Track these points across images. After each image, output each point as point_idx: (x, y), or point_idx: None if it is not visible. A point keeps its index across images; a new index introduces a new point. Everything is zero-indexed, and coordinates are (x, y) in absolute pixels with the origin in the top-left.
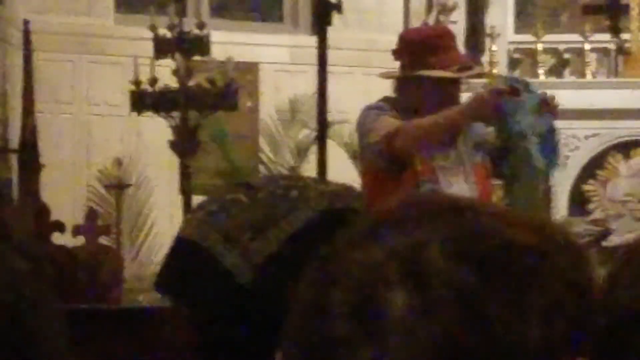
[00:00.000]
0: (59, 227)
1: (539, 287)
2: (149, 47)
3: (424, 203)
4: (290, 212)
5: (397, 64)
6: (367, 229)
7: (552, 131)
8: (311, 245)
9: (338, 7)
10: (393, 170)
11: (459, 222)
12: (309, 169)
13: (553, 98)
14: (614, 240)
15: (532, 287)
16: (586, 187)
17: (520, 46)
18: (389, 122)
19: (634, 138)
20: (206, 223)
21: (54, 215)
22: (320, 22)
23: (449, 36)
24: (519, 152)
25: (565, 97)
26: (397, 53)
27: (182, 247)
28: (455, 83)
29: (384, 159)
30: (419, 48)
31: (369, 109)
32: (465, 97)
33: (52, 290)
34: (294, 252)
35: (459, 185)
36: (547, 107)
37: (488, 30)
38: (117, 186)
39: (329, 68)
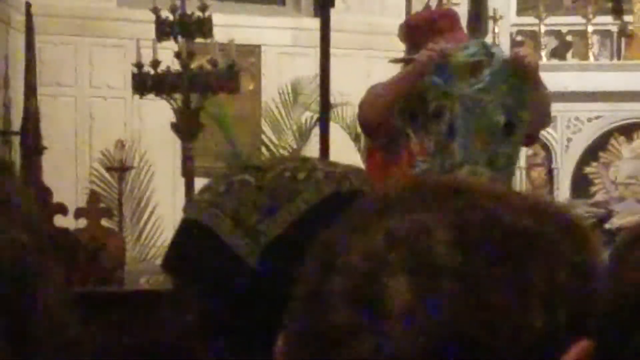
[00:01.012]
0: (61, 209)
1: (541, 273)
2: (151, 30)
3: (426, 186)
4: (298, 194)
5: (400, 46)
6: (368, 213)
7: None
8: (318, 227)
9: None
10: (385, 147)
11: (461, 207)
12: (311, 152)
13: (520, 57)
14: (616, 222)
15: (534, 273)
16: (589, 170)
17: (523, 28)
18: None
19: (636, 120)
20: (213, 204)
21: (56, 198)
22: (323, 5)
23: (449, 18)
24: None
25: (568, 80)
26: (401, 37)
27: (188, 229)
28: None
29: (363, 131)
30: (418, 31)
31: (370, 88)
32: None
33: (55, 262)
34: (301, 234)
35: None
36: (517, 67)
37: (491, 13)
38: (119, 169)
39: (331, 50)
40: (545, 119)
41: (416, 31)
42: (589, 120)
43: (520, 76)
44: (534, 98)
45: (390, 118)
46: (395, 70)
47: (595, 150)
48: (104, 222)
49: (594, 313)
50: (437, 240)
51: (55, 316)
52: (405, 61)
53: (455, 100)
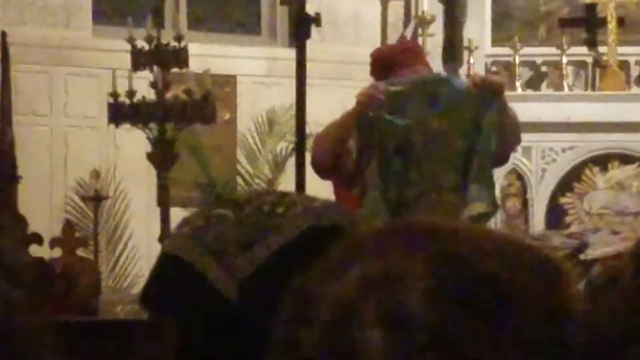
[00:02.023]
0: (36, 239)
1: (513, 323)
2: (126, 59)
3: (400, 230)
4: (276, 228)
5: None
6: (341, 258)
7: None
8: (297, 261)
9: (317, 20)
10: (345, 184)
11: (435, 253)
12: (287, 182)
13: (484, 77)
14: (591, 253)
15: (507, 324)
16: (563, 200)
17: (498, 59)
18: None
19: (610, 151)
20: (192, 238)
21: (31, 228)
22: (299, 35)
23: (409, 53)
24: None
25: (543, 110)
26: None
27: (167, 262)
28: None
29: (315, 170)
30: (378, 66)
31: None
32: None
33: (46, 314)
34: (280, 268)
35: None
36: (483, 87)
37: (466, 43)
38: (95, 198)
39: (307, 80)
40: (515, 138)
41: (378, 65)
42: (564, 150)
43: (486, 96)
44: (503, 118)
45: (339, 156)
46: None
47: (569, 181)
48: (79, 252)
49: (573, 350)
50: (410, 290)
51: (38, 349)
52: None
53: (414, 130)
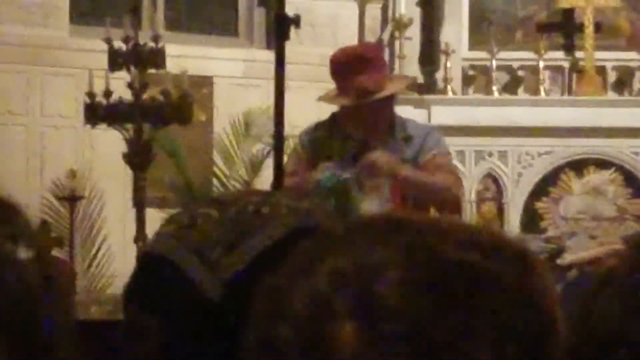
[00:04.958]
0: None
1: (486, 310)
2: (103, 60)
3: (370, 222)
4: (261, 228)
5: None
6: (312, 252)
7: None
8: (281, 262)
9: (296, 22)
10: None
11: (407, 245)
12: (263, 184)
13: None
14: (568, 258)
15: (481, 311)
16: (539, 205)
17: (475, 63)
18: (289, 167)
19: (587, 156)
20: (175, 238)
21: None
22: (278, 37)
23: (358, 60)
24: None
25: (519, 114)
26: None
27: (150, 261)
28: (360, 108)
29: None
30: (333, 73)
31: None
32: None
33: (66, 302)
34: (264, 268)
35: (372, 201)
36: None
37: (442, 47)
38: (71, 198)
39: None
40: (444, 193)
41: (330, 71)
42: (540, 155)
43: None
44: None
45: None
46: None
47: (545, 185)
48: (55, 252)
49: (557, 349)
50: (382, 281)
51: (59, 345)
52: (320, 100)
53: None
